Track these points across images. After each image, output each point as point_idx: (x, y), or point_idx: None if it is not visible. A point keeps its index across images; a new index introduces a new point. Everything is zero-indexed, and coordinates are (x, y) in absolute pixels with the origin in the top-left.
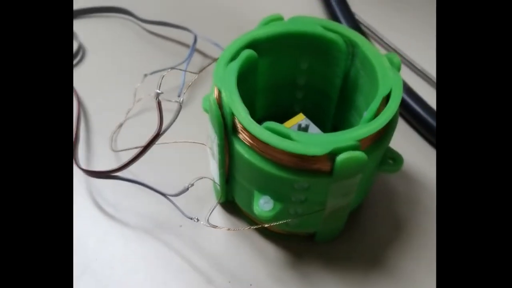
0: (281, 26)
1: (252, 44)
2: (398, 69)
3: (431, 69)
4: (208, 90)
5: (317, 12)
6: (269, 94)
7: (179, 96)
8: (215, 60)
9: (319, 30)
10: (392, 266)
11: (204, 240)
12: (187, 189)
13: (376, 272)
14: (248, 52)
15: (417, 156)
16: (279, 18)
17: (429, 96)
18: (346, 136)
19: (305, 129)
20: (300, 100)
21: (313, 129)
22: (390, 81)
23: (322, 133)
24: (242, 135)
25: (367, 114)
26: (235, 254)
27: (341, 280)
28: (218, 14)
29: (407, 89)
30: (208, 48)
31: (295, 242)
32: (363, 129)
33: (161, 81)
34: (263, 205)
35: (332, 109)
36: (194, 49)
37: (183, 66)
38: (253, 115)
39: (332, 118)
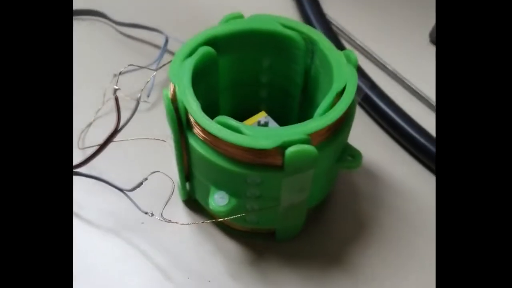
0: (240, 24)
1: (211, 42)
2: (355, 66)
3: (400, 69)
4: None
5: (290, 12)
6: (233, 93)
7: (148, 96)
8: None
9: (278, 27)
10: (352, 263)
11: (165, 237)
12: (141, 183)
13: (336, 270)
14: (205, 49)
15: (380, 153)
16: (240, 16)
17: (389, 87)
18: (296, 130)
19: (264, 125)
20: (264, 99)
21: (273, 125)
22: (344, 77)
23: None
24: (196, 130)
25: (320, 109)
26: (196, 250)
27: (300, 277)
28: (190, 16)
29: (365, 78)
30: None
31: (256, 239)
32: (313, 123)
33: (118, 77)
34: (218, 200)
35: (295, 108)
36: (165, 50)
37: (153, 67)
38: (217, 113)
39: (297, 116)
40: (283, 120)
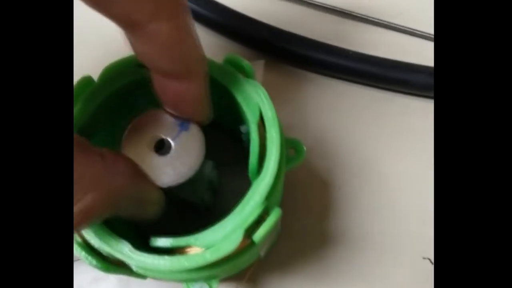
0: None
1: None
2: (251, 76)
3: None
4: None
5: None
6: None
7: None
8: None
9: (138, 74)
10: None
11: None
12: None
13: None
14: None
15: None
16: (89, 82)
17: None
18: (249, 209)
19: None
20: None
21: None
22: (253, 102)
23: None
24: None
25: (251, 163)
26: None
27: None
28: None
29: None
30: None
31: None
32: (260, 192)
33: None
34: None
35: None
36: None
37: None
38: None
39: None
40: None
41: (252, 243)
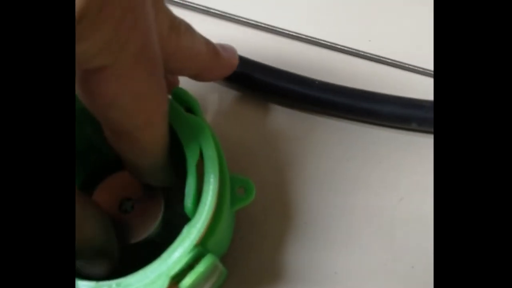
0: None
1: None
2: (197, 112)
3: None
4: None
5: None
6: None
7: None
8: None
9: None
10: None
11: None
12: None
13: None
14: None
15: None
16: None
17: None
18: (177, 255)
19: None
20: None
21: None
22: (194, 141)
23: None
24: None
25: (186, 205)
26: None
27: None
28: None
29: None
30: None
31: None
32: (190, 238)
33: None
34: None
35: None
36: None
37: None
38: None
39: None
40: None
41: None
